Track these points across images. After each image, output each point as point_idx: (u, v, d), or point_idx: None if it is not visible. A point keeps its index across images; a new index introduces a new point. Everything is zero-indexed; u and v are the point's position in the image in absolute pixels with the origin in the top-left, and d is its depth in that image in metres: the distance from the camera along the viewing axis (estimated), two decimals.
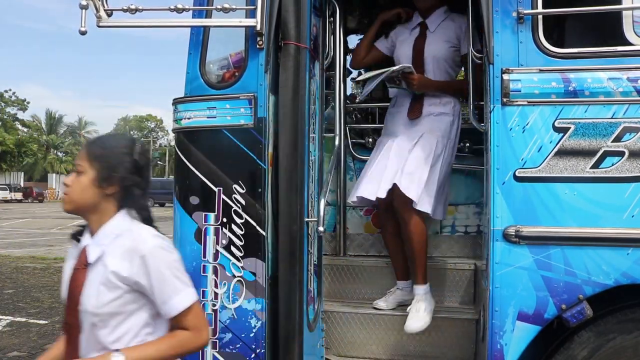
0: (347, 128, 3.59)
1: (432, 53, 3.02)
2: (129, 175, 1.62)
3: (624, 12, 2.28)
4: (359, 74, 3.65)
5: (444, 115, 2.97)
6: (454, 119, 2.99)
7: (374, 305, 3.02)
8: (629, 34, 2.27)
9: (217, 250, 2.44)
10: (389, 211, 2.97)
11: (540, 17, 2.27)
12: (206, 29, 2.54)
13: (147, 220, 1.67)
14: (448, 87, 3.02)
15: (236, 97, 2.44)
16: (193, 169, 2.48)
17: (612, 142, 2.17)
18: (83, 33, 2.26)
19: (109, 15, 2.31)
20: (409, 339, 2.88)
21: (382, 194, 2.85)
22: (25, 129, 58.87)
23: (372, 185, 2.90)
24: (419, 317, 2.77)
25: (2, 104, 56.16)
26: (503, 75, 2.25)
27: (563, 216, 2.20)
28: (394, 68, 2.86)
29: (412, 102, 3.02)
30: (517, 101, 2.24)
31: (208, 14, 2.51)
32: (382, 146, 3.04)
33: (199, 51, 2.54)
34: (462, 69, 3.27)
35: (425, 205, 2.80)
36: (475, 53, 2.62)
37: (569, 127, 2.20)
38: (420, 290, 2.85)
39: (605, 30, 2.48)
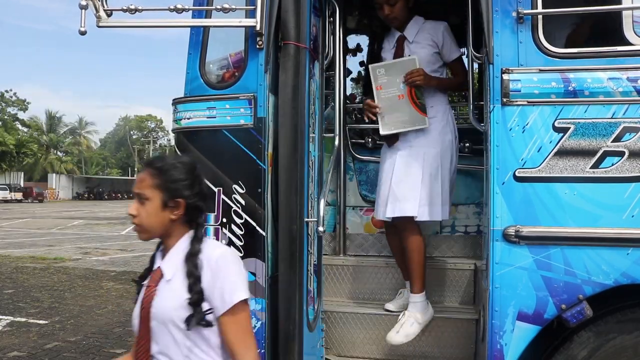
0: (347, 128, 3.59)
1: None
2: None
3: (624, 12, 2.28)
4: (365, 70, 3.40)
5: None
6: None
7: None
8: (629, 34, 2.26)
9: None
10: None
11: (540, 17, 2.27)
12: (206, 29, 2.54)
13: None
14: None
15: (236, 97, 2.44)
16: None
17: (612, 142, 2.17)
18: (83, 33, 2.26)
19: (109, 16, 2.31)
20: None
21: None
22: (26, 129, 58.89)
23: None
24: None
25: (3, 104, 56.19)
26: (503, 75, 2.24)
27: (563, 216, 2.20)
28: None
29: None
30: (516, 101, 2.24)
31: (208, 14, 2.51)
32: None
33: (199, 51, 2.54)
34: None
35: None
36: (475, 53, 2.62)
37: (569, 127, 2.20)
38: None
39: (605, 30, 2.48)
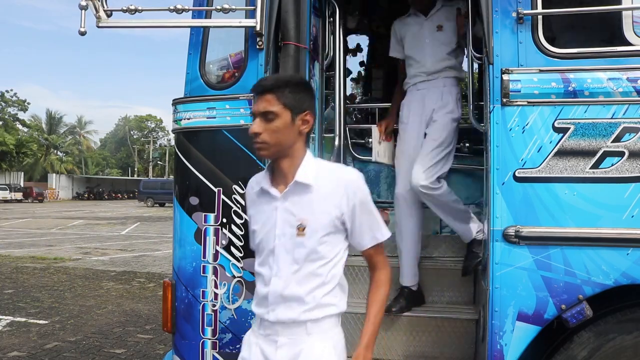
0: (347, 128, 3.58)
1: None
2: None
3: (624, 12, 2.28)
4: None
5: None
6: None
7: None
8: (629, 34, 2.26)
9: (217, 251, 2.44)
10: None
11: (539, 17, 2.27)
12: (206, 29, 2.54)
13: None
14: None
15: (236, 97, 2.44)
16: (193, 169, 2.48)
17: (611, 142, 2.17)
18: (83, 33, 2.26)
19: (109, 16, 2.31)
20: (409, 338, 2.88)
21: None
22: (26, 129, 58.90)
23: None
24: None
25: (3, 104, 56.20)
26: (503, 75, 2.24)
27: (563, 216, 2.20)
28: None
29: None
30: (516, 101, 2.24)
31: (208, 14, 2.51)
32: None
33: (199, 52, 2.54)
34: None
35: None
36: (475, 53, 2.62)
37: (569, 128, 2.20)
38: None
39: (605, 30, 2.48)
